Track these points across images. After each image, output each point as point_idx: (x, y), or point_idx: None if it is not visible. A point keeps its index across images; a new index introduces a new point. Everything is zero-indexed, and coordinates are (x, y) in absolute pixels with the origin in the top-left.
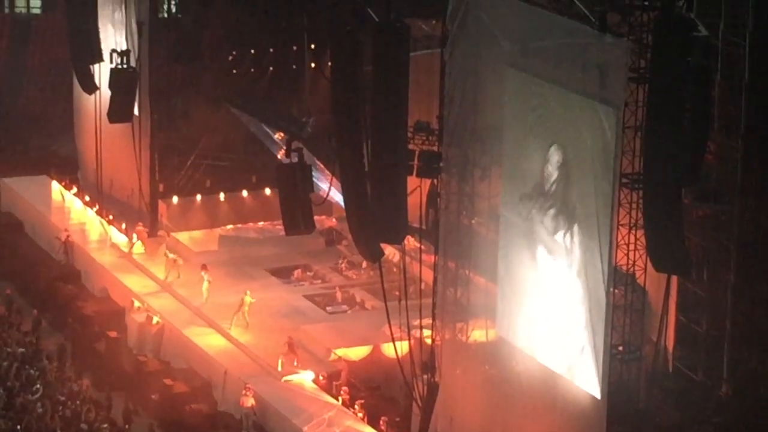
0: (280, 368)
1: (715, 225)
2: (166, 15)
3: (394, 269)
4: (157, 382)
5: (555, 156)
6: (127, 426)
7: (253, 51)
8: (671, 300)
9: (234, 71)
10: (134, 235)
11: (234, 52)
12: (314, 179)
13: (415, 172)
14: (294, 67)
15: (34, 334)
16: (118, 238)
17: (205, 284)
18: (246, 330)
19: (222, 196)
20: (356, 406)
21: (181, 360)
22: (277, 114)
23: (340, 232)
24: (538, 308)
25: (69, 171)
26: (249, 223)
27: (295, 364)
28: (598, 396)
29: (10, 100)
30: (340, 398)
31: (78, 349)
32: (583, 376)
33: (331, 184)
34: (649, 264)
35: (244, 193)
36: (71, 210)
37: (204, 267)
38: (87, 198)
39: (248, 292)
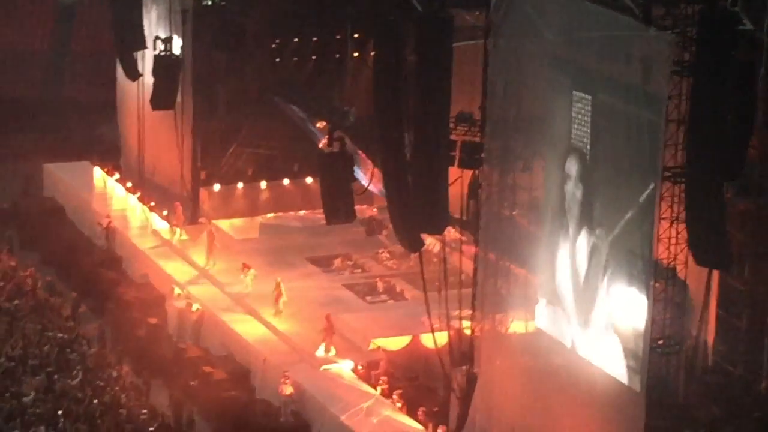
0: (322, 353)
1: (757, 219)
2: (209, 2)
3: (434, 260)
4: (196, 369)
5: (597, 148)
6: (169, 413)
7: (296, 40)
8: (712, 294)
9: (277, 60)
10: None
11: (277, 41)
12: (355, 168)
13: (456, 163)
14: (337, 56)
15: (74, 319)
16: (160, 224)
17: (250, 276)
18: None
19: (263, 184)
20: (394, 396)
21: (220, 347)
22: (320, 103)
23: (381, 221)
24: (578, 301)
25: (111, 157)
26: (290, 211)
27: (328, 351)
28: (638, 389)
29: (54, 86)
30: (378, 388)
31: (118, 335)
32: (622, 369)
33: (372, 174)
34: (690, 258)
35: (286, 181)
36: (113, 196)
37: (245, 266)
38: (129, 184)
39: (279, 279)
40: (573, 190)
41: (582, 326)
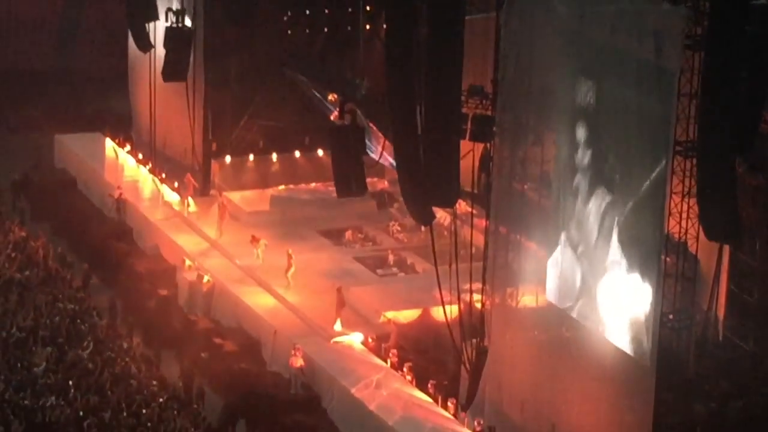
0: (339, 327)
1: None
2: None
3: (445, 233)
4: (206, 340)
5: (609, 121)
6: (179, 385)
7: (307, 12)
8: (723, 269)
9: (289, 32)
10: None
11: (289, 13)
12: (367, 141)
13: (467, 136)
14: (349, 28)
15: (85, 290)
16: (171, 196)
17: (261, 247)
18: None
19: (274, 156)
20: (405, 369)
21: (231, 319)
22: (331, 76)
23: (392, 194)
24: (589, 275)
25: (123, 128)
26: (301, 184)
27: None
28: (648, 363)
29: (66, 58)
30: (388, 361)
31: (129, 307)
32: (632, 343)
33: (383, 147)
34: (701, 233)
35: (297, 154)
36: (124, 167)
37: (254, 238)
38: (140, 156)
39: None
40: (582, 158)
41: (593, 300)
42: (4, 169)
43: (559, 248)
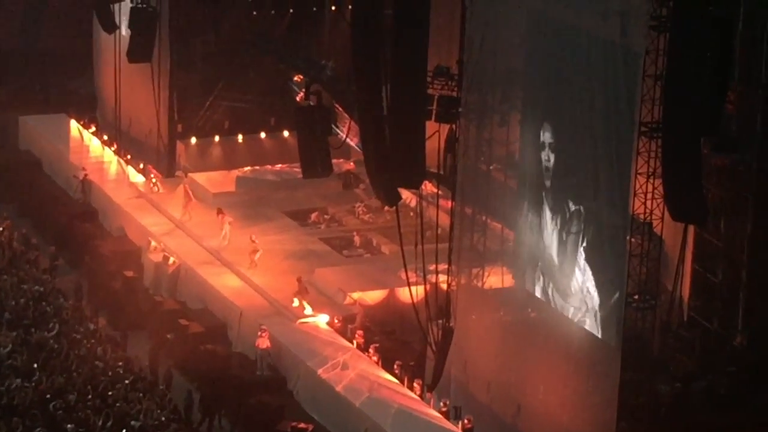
0: (296, 304)
1: (733, 175)
2: None
3: (411, 214)
4: (172, 322)
5: (574, 103)
6: (146, 366)
7: None
8: (688, 249)
9: (254, 13)
10: (152, 177)
11: None
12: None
13: (433, 117)
14: (314, 9)
15: (51, 272)
16: (136, 177)
17: (227, 226)
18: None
19: (240, 137)
20: (371, 350)
21: (196, 300)
22: (297, 57)
23: (358, 175)
24: (554, 255)
25: (88, 110)
26: (267, 165)
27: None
28: (613, 343)
29: (31, 38)
30: (354, 342)
31: (94, 288)
32: (597, 323)
33: (349, 128)
34: (666, 213)
35: (263, 135)
36: (89, 149)
37: (220, 211)
38: (105, 137)
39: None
40: (547, 139)
41: (558, 280)
42: None
43: (525, 229)
